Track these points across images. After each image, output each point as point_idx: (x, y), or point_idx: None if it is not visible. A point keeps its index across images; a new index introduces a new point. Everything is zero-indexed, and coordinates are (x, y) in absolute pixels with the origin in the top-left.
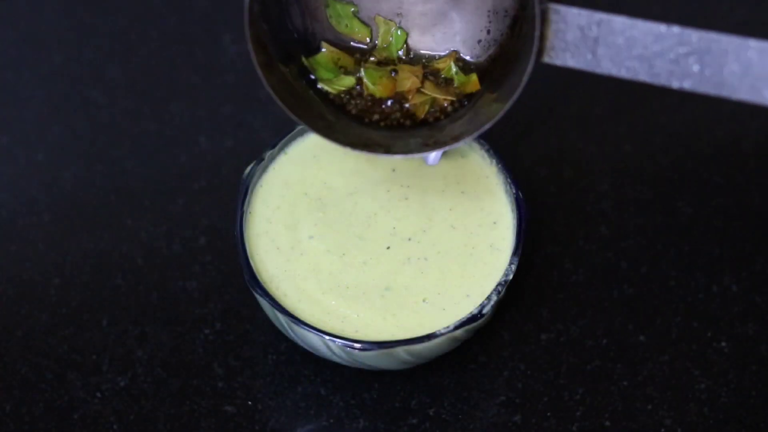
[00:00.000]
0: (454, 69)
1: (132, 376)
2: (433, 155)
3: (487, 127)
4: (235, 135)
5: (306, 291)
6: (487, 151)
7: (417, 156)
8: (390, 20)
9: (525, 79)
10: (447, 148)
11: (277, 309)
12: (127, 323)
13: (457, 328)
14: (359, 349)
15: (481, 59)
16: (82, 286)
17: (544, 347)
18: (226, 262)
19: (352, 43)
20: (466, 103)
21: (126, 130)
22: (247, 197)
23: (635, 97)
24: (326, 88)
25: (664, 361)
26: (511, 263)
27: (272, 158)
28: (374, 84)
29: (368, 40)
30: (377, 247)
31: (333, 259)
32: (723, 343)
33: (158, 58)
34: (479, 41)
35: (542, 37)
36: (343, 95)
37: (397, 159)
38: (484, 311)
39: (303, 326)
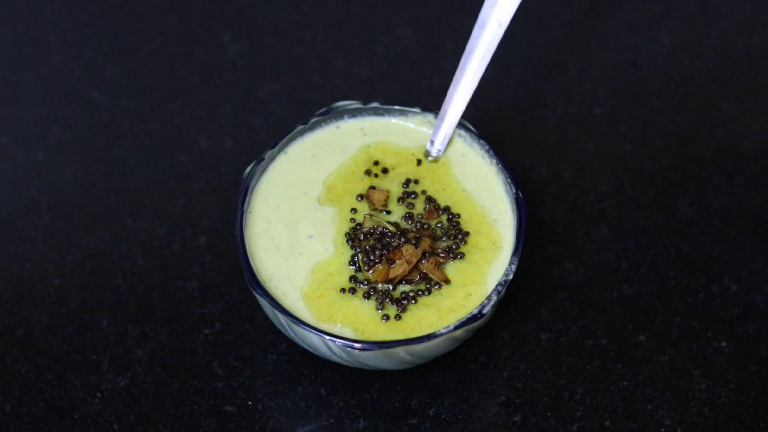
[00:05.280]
0: None
1: (132, 376)
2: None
3: None
4: (235, 135)
5: (305, 290)
6: (487, 151)
7: None
8: None
9: None
10: None
11: (277, 309)
12: (127, 323)
13: (457, 328)
14: (359, 349)
15: None
16: (82, 286)
17: (544, 347)
18: (226, 262)
19: None
20: None
21: (126, 130)
22: (247, 197)
23: (635, 97)
24: None
25: (664, 361)
26: (511, 263)
27: (272, 158)
28: None
29: None
30: None
31: (332, 258)
32: (723, 343)
33: (158, 58)
34: None
35: None
36: None
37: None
38: (484, 311)
39: (303, 326)
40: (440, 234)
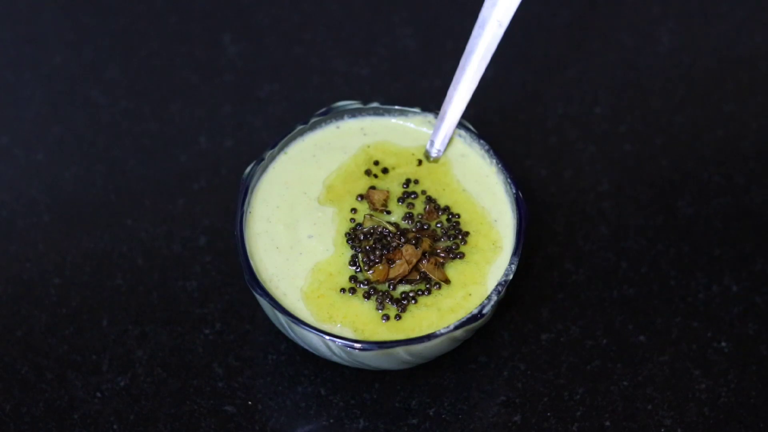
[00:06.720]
0: None
1: (132, 376)
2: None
3: None
4: (235, 135)
5: (305, 290)
6: (487, 151)
7: None
8: None
9: None
10: None
11: (276, 309)
12: (127, 323)
13: (457, 328)
14: (359, 349)
15: None
16: (82, 286)
17: (544, 347)
18: (226, 262)
19: None
20: None
21: (126, 130)
22: (247, 197)
23: (635, 97)
24: None
25: (664, 361)
26: (511, 263)
27: (272, 158)
28: None
29: None
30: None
31: (332, 258)
32: (723, 343)
33: (158, 58)
34: None
35: None
36: None
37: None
38: (484, 311)
39: (303, 326)
40: (440, 234)
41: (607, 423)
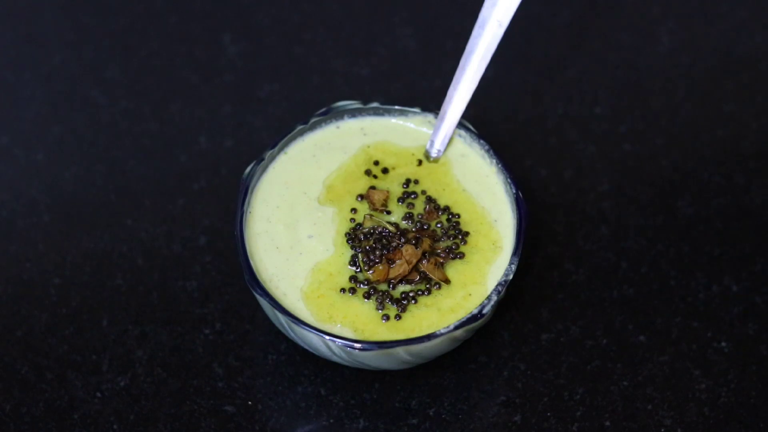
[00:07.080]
0: None
1: (132, 376)
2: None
3: None
4: (235, 135)
5: (305, 290)
6: (487, 151)
7: None
8: None
9: None
10: None
11: (276, 309)
12: (127, 323)
13: (457, 328)
14: (359, 349)
15: None
16: (82, 286)
17: (544, 347)
18: (226, 262)
19: None
20: None
21: (126, 130)
22: (247, 197)
23: (635, 97)
24: None
25: (664, 361)
26: (511, 263)
27: (272, 158)
28: None
29: None
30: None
31: (332, 258)
32: (723, 343)
33: (158, 58)
34: None
35: None
36: None
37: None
38: (484, 311)
39: (303, 326)
40: (440, 234)
41: (607, 423)
